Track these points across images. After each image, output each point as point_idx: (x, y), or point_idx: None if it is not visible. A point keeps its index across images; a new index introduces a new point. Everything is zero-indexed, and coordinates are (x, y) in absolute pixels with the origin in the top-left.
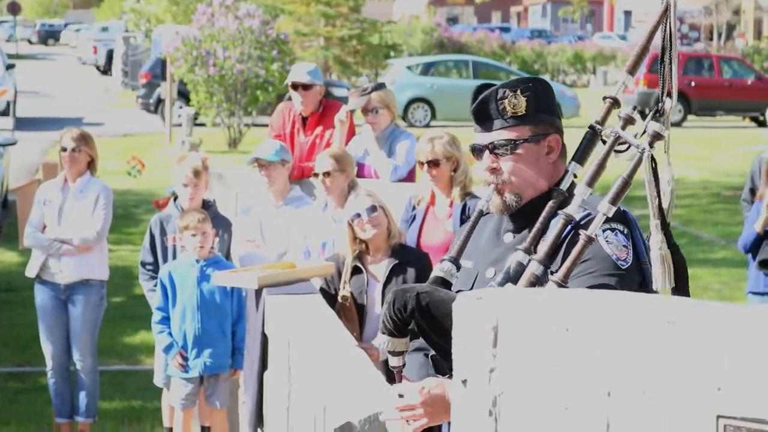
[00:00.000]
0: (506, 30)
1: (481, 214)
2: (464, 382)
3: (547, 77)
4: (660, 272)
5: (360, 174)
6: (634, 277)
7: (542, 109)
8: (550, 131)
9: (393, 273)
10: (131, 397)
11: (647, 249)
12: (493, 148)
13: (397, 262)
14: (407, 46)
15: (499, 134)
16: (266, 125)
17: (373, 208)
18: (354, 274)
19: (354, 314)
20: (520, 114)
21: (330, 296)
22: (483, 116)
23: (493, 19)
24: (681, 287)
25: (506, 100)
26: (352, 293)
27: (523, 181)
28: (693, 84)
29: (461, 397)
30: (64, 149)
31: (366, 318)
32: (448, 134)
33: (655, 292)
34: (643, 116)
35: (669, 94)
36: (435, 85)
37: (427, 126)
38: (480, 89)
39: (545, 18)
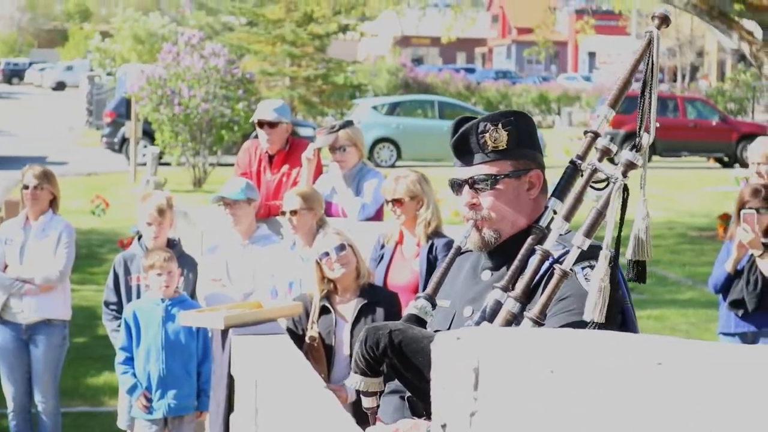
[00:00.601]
0: (471, 71)
1: (459, 251)
2: (443, 426)
3: None
4: (593, 302)
5: (327, 213)
6: (614, 316)
7: (524, 143)
8: (531, 166)
9: (362, 313)
10: None
11: (628, 289)
12: (473, 183)
13: (366, 302)
14: (372, 86)
15: (480, 169)
16: (232, 164)
17: (342, 247)
18: (322, 314)
19: (322, 355)
20: (501, 148)
21: (297, 337)
22: (463, 150)
23: (458, 60)
24: (609, 326)
25: (487, 134)
26: (320, 334)
27: (503, 217)
28: (658, 125)
29: None
30: (26, 187)
31: (334, 359)
32: (416, 173)
33: (634, 331)
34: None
35: (647, 130)
36: (401, 125)
37: (393, 166)
38: (460, 122)
39: (510, 59)
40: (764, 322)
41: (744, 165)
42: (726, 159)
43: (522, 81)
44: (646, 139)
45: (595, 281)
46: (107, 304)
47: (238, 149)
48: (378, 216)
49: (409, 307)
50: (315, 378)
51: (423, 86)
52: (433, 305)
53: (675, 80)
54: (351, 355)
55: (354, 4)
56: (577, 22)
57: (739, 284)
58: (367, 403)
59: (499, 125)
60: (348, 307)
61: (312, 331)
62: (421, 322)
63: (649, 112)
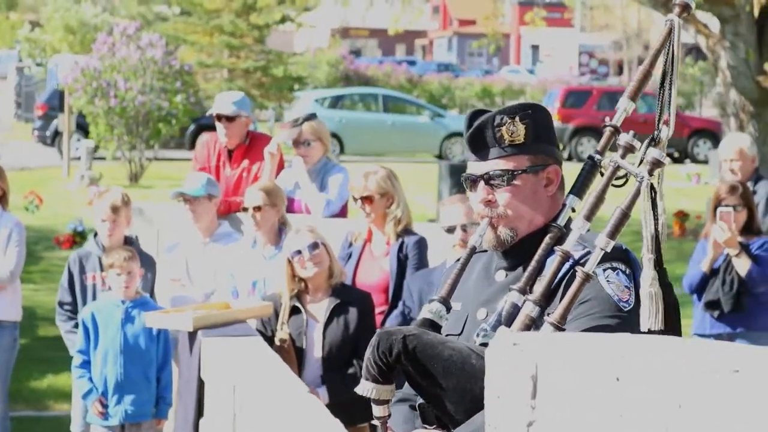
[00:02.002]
0: (412, 63)
1: (474, 250)
2: None
3: (455, 112)
4: (647, 311)
5: (290, 209)
6: (636, 319)
7: (542, 137)
8: (549, 162)
9: (334, 313)
10: None
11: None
12: (488, 178)
13: (338, 302)
14: (312, 78)
15: (496, 164)
16: (169, 159)
17: (315, 245)
18: (292, 315)
19: (293, 357)
20: (518, 142)
21: (267, 338)
22: (478, 144)
23: (398, 52)
24: (671, 331)
25: (504, 128)
26: (290, 335)
27: (520, 215)
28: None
29: None
30: None
31: (305, 361)
32: (385, 169)
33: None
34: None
35: (666, 123)
36: (344, 118)
37: None
38: (474, 115)
39: (451, 52)
40: (740, 323)
41: (695, 161)
42: (676, 154)
43: (465, 74)
44: (666, 133)
45: (644, 289)
46: (61, 304)
47: (175, 143)
48: (342, 213)
49: (423, 311)
50: (296, 382)
51: (363, 79)
52: (448, 309)
53: (621, 73)
54: (323, 357)
55: None
56: (526, 14)
57: (714, 285)
58: (378, 411)
59: (517, 118)
60: (320, 307)
61: (282, 333)
62: (435, 326)
63: (669, 105)
